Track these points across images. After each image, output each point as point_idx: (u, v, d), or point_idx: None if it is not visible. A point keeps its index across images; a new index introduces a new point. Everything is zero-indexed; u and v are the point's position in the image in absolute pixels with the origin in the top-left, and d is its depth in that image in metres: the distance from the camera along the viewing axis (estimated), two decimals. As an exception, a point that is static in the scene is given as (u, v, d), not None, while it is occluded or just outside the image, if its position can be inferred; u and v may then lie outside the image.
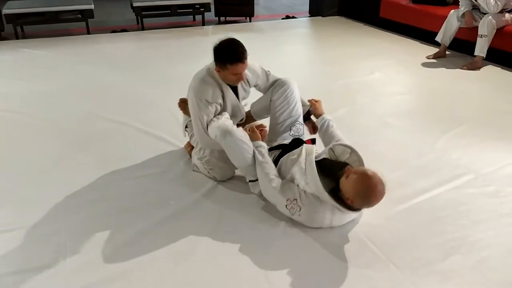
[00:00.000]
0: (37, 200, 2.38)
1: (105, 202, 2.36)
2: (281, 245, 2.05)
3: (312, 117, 2.71)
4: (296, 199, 2.09)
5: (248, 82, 2.56)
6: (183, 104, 2.70)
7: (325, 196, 2.02)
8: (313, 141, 2.51)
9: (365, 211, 2.25)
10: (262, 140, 2.44)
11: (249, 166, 2.31)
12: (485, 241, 2.08)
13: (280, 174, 2.27)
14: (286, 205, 2.12)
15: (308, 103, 2.69)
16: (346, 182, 2.01)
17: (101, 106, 3.60)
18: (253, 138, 2.39)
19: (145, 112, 3.49)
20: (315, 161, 2.14)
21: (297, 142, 2.42)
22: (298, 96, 2.60)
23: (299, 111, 2.60)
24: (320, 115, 2.61)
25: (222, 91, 2.41)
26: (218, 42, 2.31)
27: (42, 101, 3.73)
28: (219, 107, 2.41)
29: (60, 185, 2.52)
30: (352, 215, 2.15)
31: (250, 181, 2.37)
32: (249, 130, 2.44)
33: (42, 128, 3.24)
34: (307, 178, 2.10)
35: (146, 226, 2.17)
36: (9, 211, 2.30)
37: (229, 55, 2.27)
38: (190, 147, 2.79)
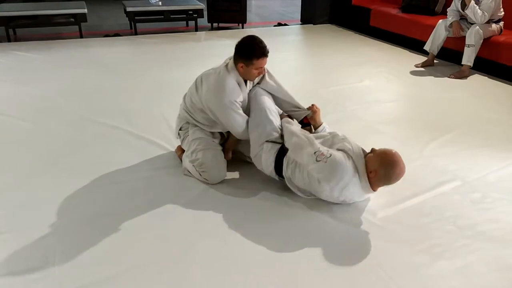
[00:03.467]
0: (26, 203, 2.38)
1: (94, 206, 2.37)
2: (271, 247, 2.07)
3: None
4: (326, 152, 2.23)
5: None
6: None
7: (357, 146, 2.27)
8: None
9: (352, 216, 2.29)
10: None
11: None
12: (470, 246, 2.12)
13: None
14: (315, 152, 2.23)
15: (306, 109, 2.73)
16: (372, 157, 2.22)
17: (93, 110, 3.61)
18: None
19: (137, 117, 3.50)
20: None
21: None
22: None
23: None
24: (320, 124, 2.71)
25: (240, 88, 2.53)
26: (241, 40, 2.47)
27: (33, 104, 3.73)
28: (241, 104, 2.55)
29: (49, 188, 2.52)
30: (363, 193, 2.30)
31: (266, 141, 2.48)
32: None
33: (33, 131, 3.24)
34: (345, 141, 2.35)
35: (135, 230, 2.18)
36: (-1, 213, 2.30)
37: (256, 50, 2.41)
38: (180, 150, 2.81)
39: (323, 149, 2.26)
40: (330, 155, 2.19)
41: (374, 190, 2.29)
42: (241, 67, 2.44)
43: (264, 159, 2.45)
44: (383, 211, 2.36)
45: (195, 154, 2.55)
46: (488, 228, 2.25)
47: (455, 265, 1.99)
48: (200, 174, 2.55)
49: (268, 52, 2.44)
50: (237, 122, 2.51)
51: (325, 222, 2.26)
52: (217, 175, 2.56)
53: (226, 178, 2.60)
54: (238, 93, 2.49)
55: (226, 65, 2.50)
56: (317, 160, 2.20)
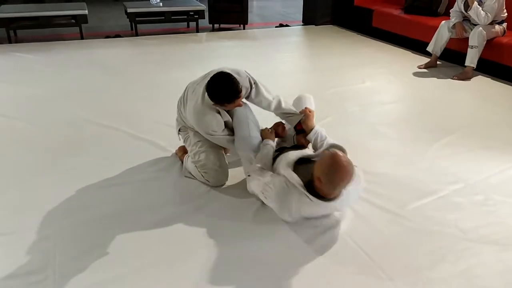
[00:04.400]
0: (25, 204, 2.37)
1: (94, 207, 2.35)
2: (272, 251, 2.05)
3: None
4: (269, 184, 2.12)
5: None
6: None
7: (291, 174, 2.09)
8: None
9: (355, 218, 2.27)
10: (282, 136, 2.63)
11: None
12: (473, 249, 2.10)
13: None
14: (261, 191, 2.17)
15: (299, 113, 2.61)
16: (317, 162, 2.04)
17: (93, 111, 3.60)
18: (264, 135, 2.50)
19: (137, 118, 3.49)
20: (304, 157, 2.24)
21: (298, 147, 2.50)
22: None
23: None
24: (311, 128, 2.53)
25: (221, 114, 2.42)
26: (211, 81, 2.25)
27: (34, 105, 3.72)
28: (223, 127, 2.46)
29: (49, 189, 2.51)
30: (322, 205, 2.09)
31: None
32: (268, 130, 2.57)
33: (33, 132, 3.23)
34: (282, 163, 2.21)
35: (136, 231, 2.16)
36: (-2, 215, 2.29)
37: (226, 96, 2.25)
38: (181, 151, 2.79)
39: (267, 180, 2.16)
40: (271, 189, 2.11)
41: (330, 197, 2.07)
42: (215, 104, 2.33)
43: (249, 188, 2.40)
44: (384, 213, 2.34)
45: (198, 155, 2.54)
46: (491, 231, 2.23)
47: (458, 268, 1.97)
48: (202, 176, 2.54)
49: (240, 91, 2.26)
50: (222, 142, 2.51)
51: (326, 225, 2.24)
52: (219, 177, 2.54)
53: (228, 179, 2.59)
54: (218, 123, 2.39)
55: (203, 96, 2.34)
56: (265, 197, 2.17)
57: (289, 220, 2.18)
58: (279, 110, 2.61)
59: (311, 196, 2.05)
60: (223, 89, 2.24)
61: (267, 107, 2.58)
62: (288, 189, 2.07)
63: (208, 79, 2.29)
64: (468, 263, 2.01)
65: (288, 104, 2.64)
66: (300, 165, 2.21)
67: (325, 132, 2.55)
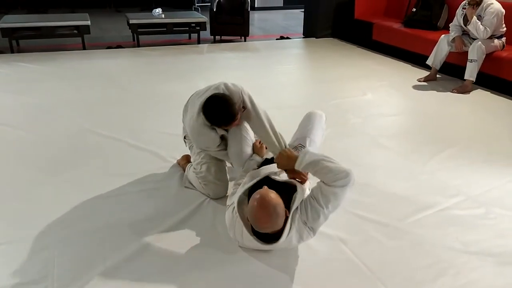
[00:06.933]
0: (26, 214, 2.36)
1: (94, 218, 2.35)
2: (270, 264, 2.04)
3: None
4: (228, 205, 2.10)
5: None
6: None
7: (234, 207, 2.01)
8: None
9: (355, 231, 2.26)
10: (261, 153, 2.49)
11: None
12: (473, 263, 2.09)
13: None
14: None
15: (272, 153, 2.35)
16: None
17: (94, 122, 3.61)
18: (255, 150, 2.47)
19: (138, 128, 3.50)
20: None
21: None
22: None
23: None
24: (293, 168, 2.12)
25: (216, 129, 2.36)
26: (206, 105, 2.19)
27: (35, 115, 3.73)
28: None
29: (50, 199, 2.51)
30: (256, 242, 1.96)
31: None
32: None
33: (34, 142, 3.23)
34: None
35: (136, 242, 2.15)
36: (-2, 224, 2.28)
37: (222, 120, 2.21)
38: (184, 160, 2.80)
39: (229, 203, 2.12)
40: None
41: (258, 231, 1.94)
42: (212, 124, 2.29)
43: None
44: (384, 226, 2.34)
45: (200, 166, 2.54)
46: (492, 244, 2.23)
47: (458, 282, 1.96)
48: (203, 187, 2.54)
49: (237, 113, 2.18)
50: (218, 155, 2.51)
51: (324, 237, 2.23)
52: (219, 190, 2.54)
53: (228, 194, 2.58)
54: (213, 140, 2.36)
55: (199, 114, 2.25)
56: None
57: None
58: (266, 138, 2.33)
59: (246, 231, 1.94)
60: (219, 113, 2.18)
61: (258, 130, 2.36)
62: (234, 220, 2.00)
63: (207, 95, 2.23)
64: (469, 277, 2.00)
65: (272, 135, 2.31)
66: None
67: (315, 148, 2.33)
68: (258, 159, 2.43)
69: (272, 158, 2.36)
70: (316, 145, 2.52)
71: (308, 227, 1.92)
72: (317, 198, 1.90)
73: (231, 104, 2.18)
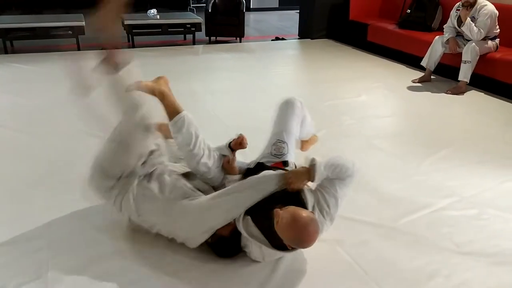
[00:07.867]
0: (20, 215, 2.36)
1: (89, 219, 2.34)
2: (262, 265, 2.04)
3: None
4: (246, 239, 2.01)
5: None
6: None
7: (255, 239, 1.92)
8: (284, 164, 2.25)
9: (351, 233, 2.27)
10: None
11: None
12: (467, 263, 2.10)
13: None
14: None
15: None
16: (278, 228, 1.79)
17: (89, 123, 3.59)
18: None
19: (133, 129, 3.48)
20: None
21: (261, 167, 2.22)
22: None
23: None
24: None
25: None
26: None
27: (30, 116, 3.72)
28: None
29: (44, 200, 2.50)
30: (282, 253, 1.96)
31: None
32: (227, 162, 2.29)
33: (29, 143, 3.22)
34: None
35: (131, 245, 2.15)
36: (-8, 226, 2.27)
37: None
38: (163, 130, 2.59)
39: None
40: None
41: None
42: None
43: None
44: (378, 227, 2.35)
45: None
46: (485, 245, 2.24)
47: (452, 282, 1.97)
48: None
49: None
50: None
51: (319, 238, 2.23)
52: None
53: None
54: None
55: None
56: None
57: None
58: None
59: (272, 249, 1.91)
60: None
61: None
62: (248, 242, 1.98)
63: None
64: (462, 277, 2.01)
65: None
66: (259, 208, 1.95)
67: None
68: (236, 177, 2.26)
69: (256, 165, 2.27)
70: (307, 128, 2.58)
71: (327, 218, 1.97)
72: (328, 187, 1.99)
73: None
